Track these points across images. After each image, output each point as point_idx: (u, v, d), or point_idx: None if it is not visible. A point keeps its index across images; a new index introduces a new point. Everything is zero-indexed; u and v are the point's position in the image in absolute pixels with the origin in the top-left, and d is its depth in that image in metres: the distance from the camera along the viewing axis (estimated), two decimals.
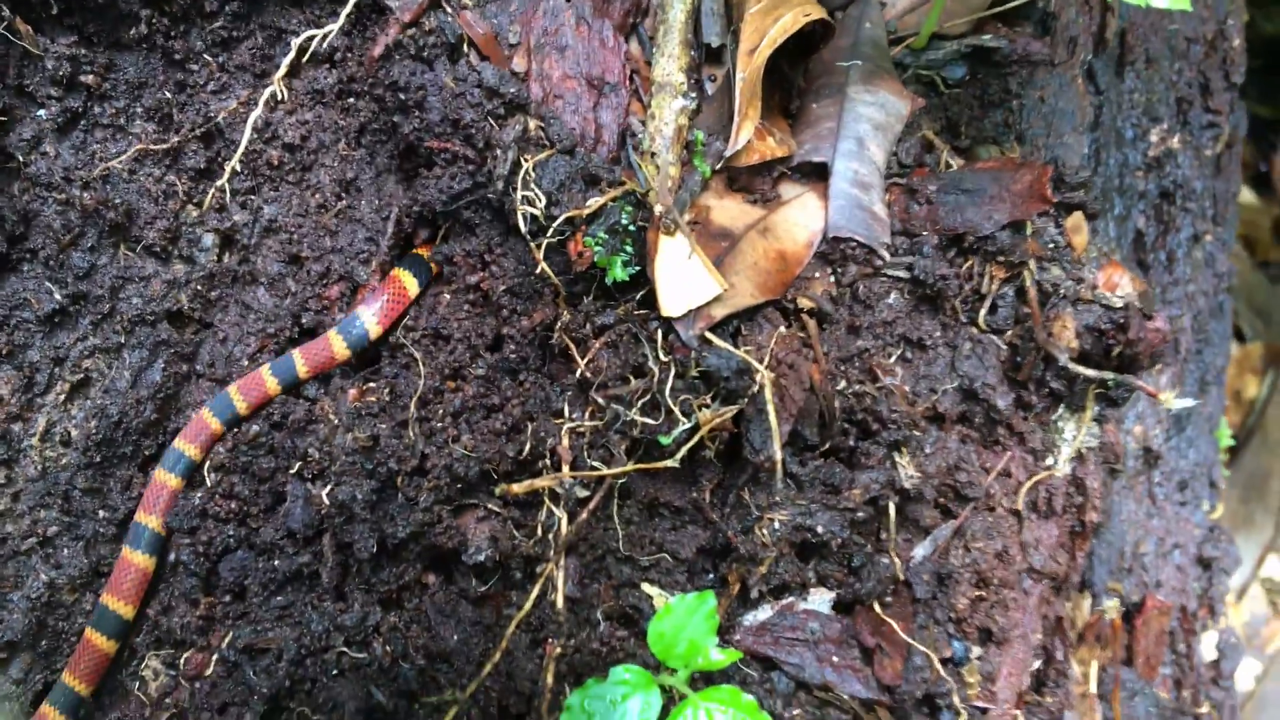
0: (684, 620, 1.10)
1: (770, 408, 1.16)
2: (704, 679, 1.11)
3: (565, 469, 1.18)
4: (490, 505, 1.27)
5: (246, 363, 1.38)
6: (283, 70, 1.30)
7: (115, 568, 1.26)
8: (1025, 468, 1.37)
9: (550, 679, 1.11)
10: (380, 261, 1.38)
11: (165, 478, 1.27)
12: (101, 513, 1.33)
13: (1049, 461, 1.38)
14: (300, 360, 1.29)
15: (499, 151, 1.22)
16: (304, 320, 1.37)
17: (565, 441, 1.20)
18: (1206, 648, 2.21)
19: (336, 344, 1.29)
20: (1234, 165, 2.32)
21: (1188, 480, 2.18)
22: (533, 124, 1.25)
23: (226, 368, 1.37)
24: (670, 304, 1.18)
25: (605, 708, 1.06)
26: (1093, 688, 1.51)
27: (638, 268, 1.23)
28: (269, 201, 1.40)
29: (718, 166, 1.31)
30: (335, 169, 1.41)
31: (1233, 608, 3.60)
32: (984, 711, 1.30)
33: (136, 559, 1.25)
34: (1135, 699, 1.59)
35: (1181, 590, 2.09)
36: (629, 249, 1.22)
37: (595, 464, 1.19)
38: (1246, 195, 4.51)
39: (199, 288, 1.38)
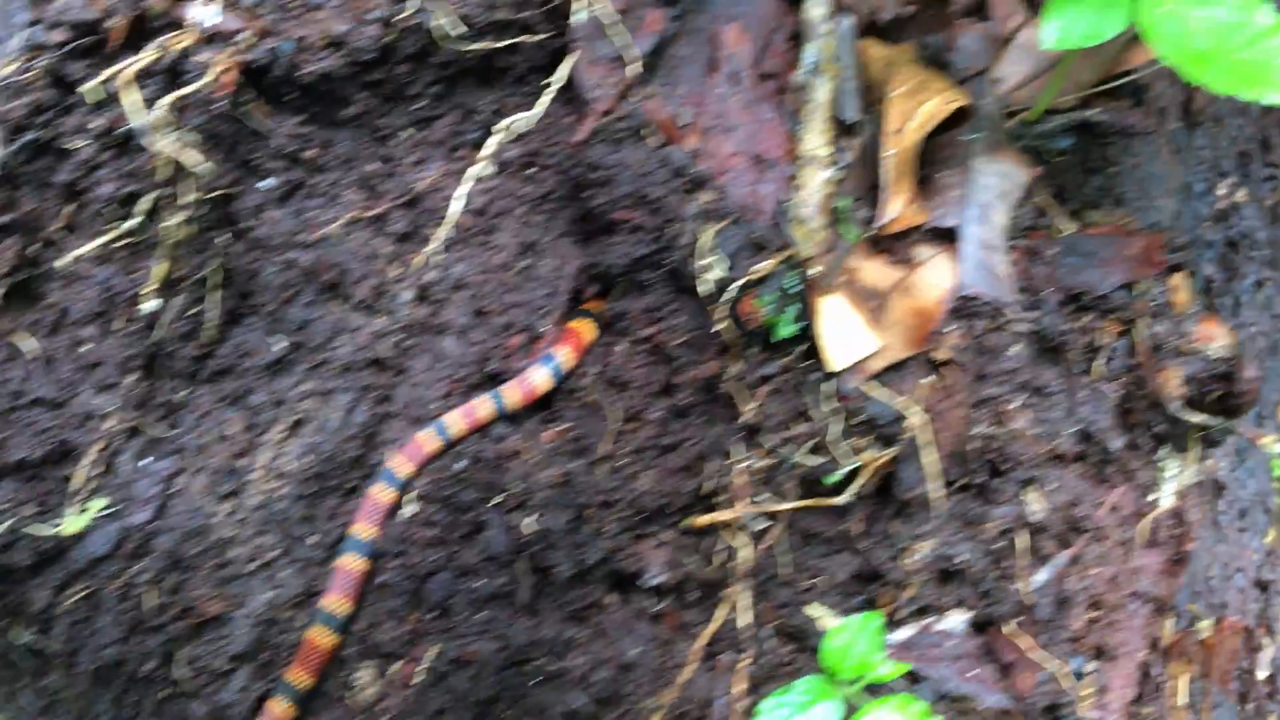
0: (854, 638, 1.27)
1: (925, 450, 1.33)
2: (869, 690, 1.27)
3: (740, 505, 1.35)
4: (664, 536, 1.43)
5: (436, 405, 1.55)
6: (489, 150, 1.48)
7: (335, 573, 1.43)
8: (1132, 502, 1.54)
9: (743, 686, 1.27)
10: (558, 315, 1.56)
11: (381, 491, 1.45)
12: (312, 539, 1.50)
13: (1152, 497, 1.55)
14: (513, 392, 1.46)
15: (681, 224, 1.39)
16: (489, 367, 1.55)
17: (740, 480, 1.36)
18: (1262, 665, 2.35)
19: (541, 380, 1.46)
20: None
21: (1247, 509, 2.33)
22: (708, 197, 1.42)
23: (419, 409, 1.55)
24: (836, 358, 1.36)
25: (792, 713, 1.23)
26: (1182, 700, 1.66)
27: (801, 326, 1.40)
28: (457, 261, 1.57)
29: (867, 233, 1.48)
30: (516, 232, 1.58)
31: None
32: None
33: (353, 562, 1.42)
34: (1217, 709, 1.74)
35: (1242, 611, 2.24)
36: (795, 311, 1.39)
37: (767, 500, 1.36)
38: None
39: (397, 338, 1.55)
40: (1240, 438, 1.66)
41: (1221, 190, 2.18)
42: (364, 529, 1.45)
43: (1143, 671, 1.57)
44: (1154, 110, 1.85)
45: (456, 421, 1.48)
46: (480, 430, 1.50)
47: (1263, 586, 2.35)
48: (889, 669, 1.25)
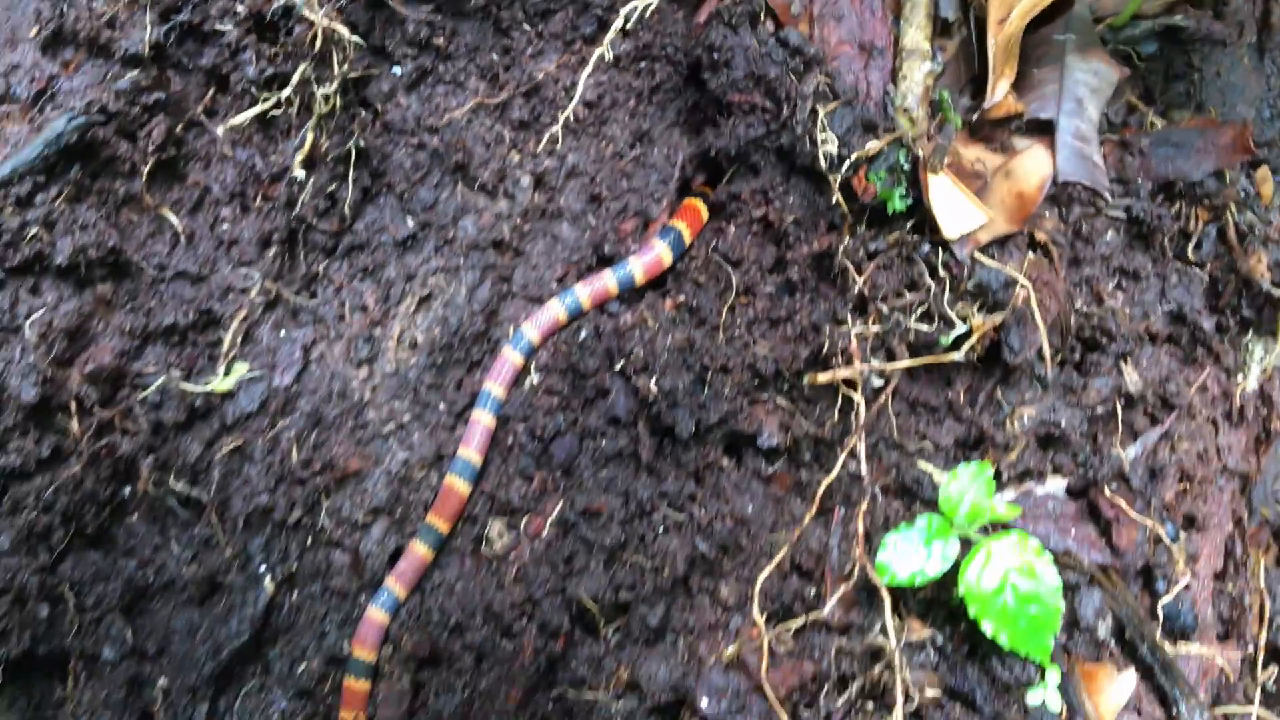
0: (967, 485, 1.34)
1: (1036, 314, 1.41)
2: (982, 531, 1.34)
3: (858, 363, 1.43)
4: (779, 400, 1.51)
5: (554, 285, 1.63)
6: (610, 35, 1.55)
7: (468, 426, 1.52)
8: (1220, 383, 1.60)
9: (861, 530, 1.35)
10: (670, 199, 1.64)
11: (511, 355, 1.54)
12: (441, 405, 1.59)
13: (1240, 378, 1.62)
14: (637, 267, 1.54)
15: (799, 101, 1.47)
16: (604, 250, 1.63)
17: (854, 343, 1.44)
18: None
19: (664, 252, 1.54)
20: None
21: None
22: (822, 79, 1.50)
23: (538, 289, 1.63)
24: (949, 228, 1.43)
25: (913, 548, 1.31)
26: (1262, 582, 1.73)
27: (910, 201, 1.47)
28: (572, 150, 1.65)
29: (973, 119, 1.56)
30: (628, 123, 1.66)
31: None
32: (1187, 587, 1.54)
33: (486, 419, 1.51)
34: None
35: None
36: (904, 186, 1.47)
37: (886, 355, 1.44)
38: None
39: (517, 221, 1.63)
40: None
41: None
42: (494, 387, 1.53)
43: (1228, 546, 1.63)
44: (1233, 22, 1.92)
45: (583, 293, 1.56)
46: (604, 304, 1.58)
47: None
48: (1005, 510, 1.33)
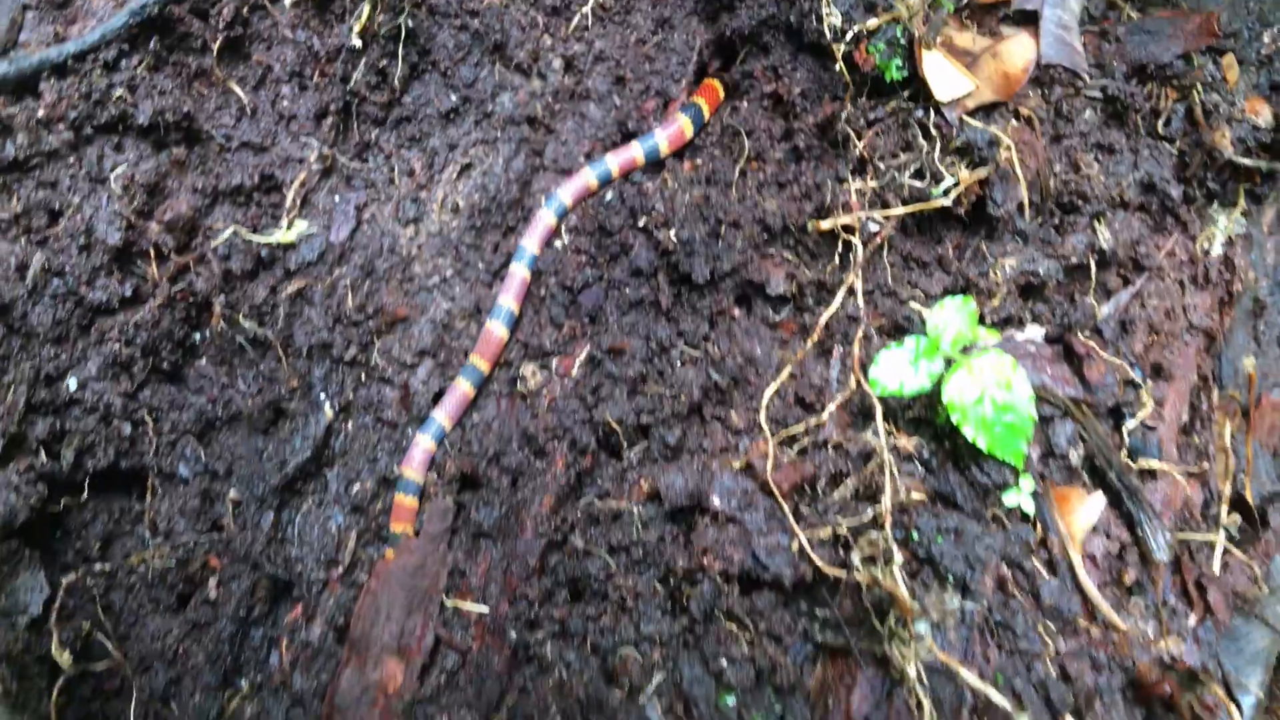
0: (953, 315, 1.51)
1: (1018, 169, 1.57)
2: (964, 352, 1.50)
3: (857, 212, 1.59)
4: (785, 253, 1.68)
5: (582, 160, 1.80)
6: None
7: (506, 278, 1.69)
8: (1187, 248, 1.76)
9: (854, 353, 1.51)
10: (688, 81, 1.80)
11: (546, 215, 1.70)
12: (480, 264, 1.76)
13: (1205, 244, 1.77)
14: (663, 139, 1.71)
15: None
16: (628, 126, 1.80)
17: (854, 197, 1.61)
18: None
19: (686, 125, 1.71)
20: None
21: None
22: None
23: (567, 162, 1.80)
24: (940, 92, 1.60)
25: (903, 364, 1.48)
26: (1228, 442, 1.89)
27: (906, 72, 1.64)
28: (599, 37, 1.82)
29: (957, 5, 1.72)
30: (650, 13, 1.83)
31: None
32: (1152, 429, 1.70)
33: (522, 271, 1.68)
34: (1257, 459, 1.97)
35: None
36: (900, 58, 1.63)
37: (882, 206, 1.60)
38: None
39: (549, 100, 1.80)
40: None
41: (1267, 38, 2.39)
42: (530, 243, 1.70)
43: (1193, 401, 1.80)
44: None
45: (612, 163, 1.73)
46: (630, 173, 1.75)
47: None
48: (986, 334, 1.49)
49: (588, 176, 1.72)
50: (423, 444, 1.66)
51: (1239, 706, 1.84)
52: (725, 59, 1.83)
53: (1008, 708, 1.34)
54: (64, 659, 1.46)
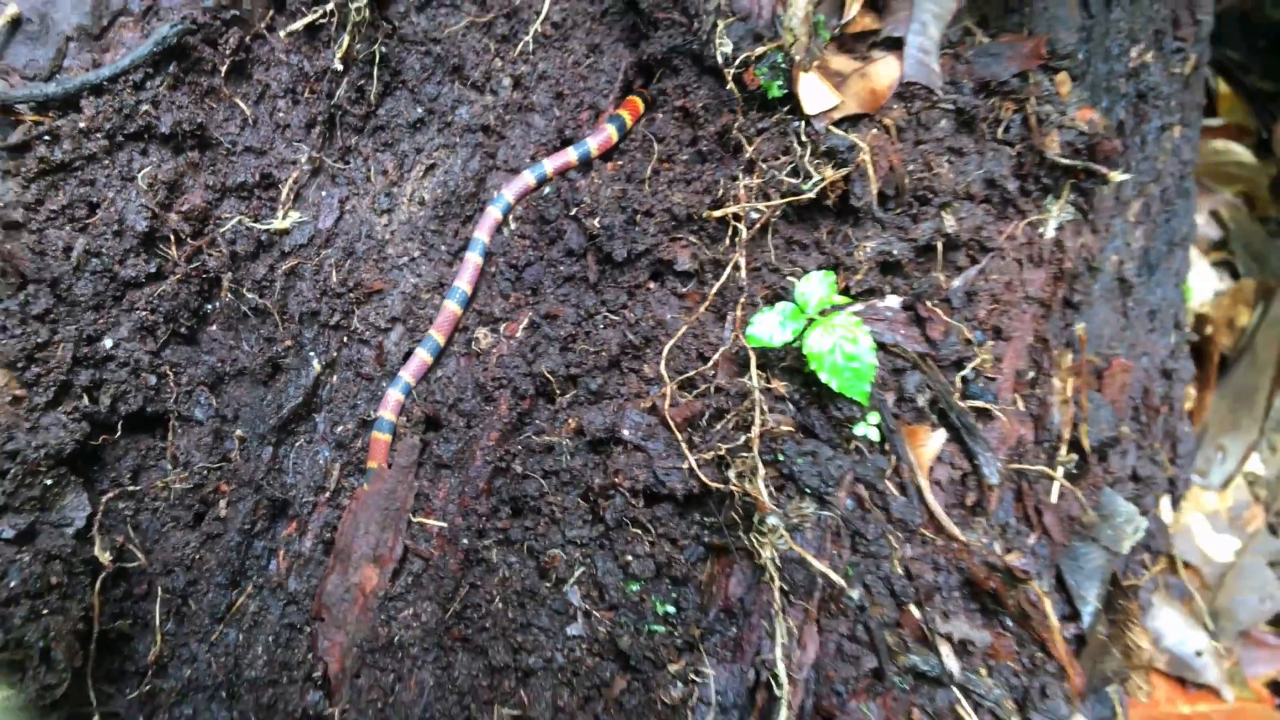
0: (816, 285, 1.88)
1: (871, 172, 1.95)
2: (823, 314, 1.88)
3: (744, 203, 1.97)
4: (690, 238, 2.06)
5: (527, 161, 2.18)
6: None
7: (461, 264, 2.06)
8: (1024, 233, 2.14)
9: (739, 316, 1.89)
10: (614, 96, 2.18)
11: (493, 211, 2.08)
12: (442, 247, 2.14)
13: (1041, 229, 2.15)
14: (593, 144, 2.08)
15: (705, 18, 2.01)
16: (566, 133, 2.17)
17: (743, 191, 1.98)
18: (1162, 429, 2.94)
19: (612, 133, 2.09)
20: (1198, 83, 3.05)
21: (1156, 311, 2.92)
22: (722, 2, 2.04)
23: (515, 163, 2.17)
24: (810, 106, 1.97)
25: (774, 323, 1.85)
26: (1069, 394, 2.27)
27: (786, 91, 2.01)
28: (541, 60, 2.20)
29: (833, 35, 2.09)
30: (584, 40, 2.21)
31: (1220, 496, 4.34)
32: (992, 379, 2.08)
33: (475, 258, 2.05)
34: (1100, 410, 2.35)
35: (1149, 388, 2.83)
36: (782, 79, 2.01)
37: (764, 199, 1.98)
38: (1248, 157, 5.26)
39: (500, 111, 2.18)
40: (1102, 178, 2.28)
41: (1133, 54, 2.77)
42: (481, 235, 2.08)
43: (1032, 357, 2.18)
44: None
45: (549, 165, 2.10)
46: (565, 172, 2.12)
47: (1167, 374, 2.95)
48: (841, 299, 1.87)
49: (527, 178, 2.09)
50: (393, 395, 2.03)
51: (1080, 617, 2.23)
52: (645, 78, 2.21)
53: (843, 585, 1.72)
54: (105, 558, 1.83)
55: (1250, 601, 4.00)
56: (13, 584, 1.73)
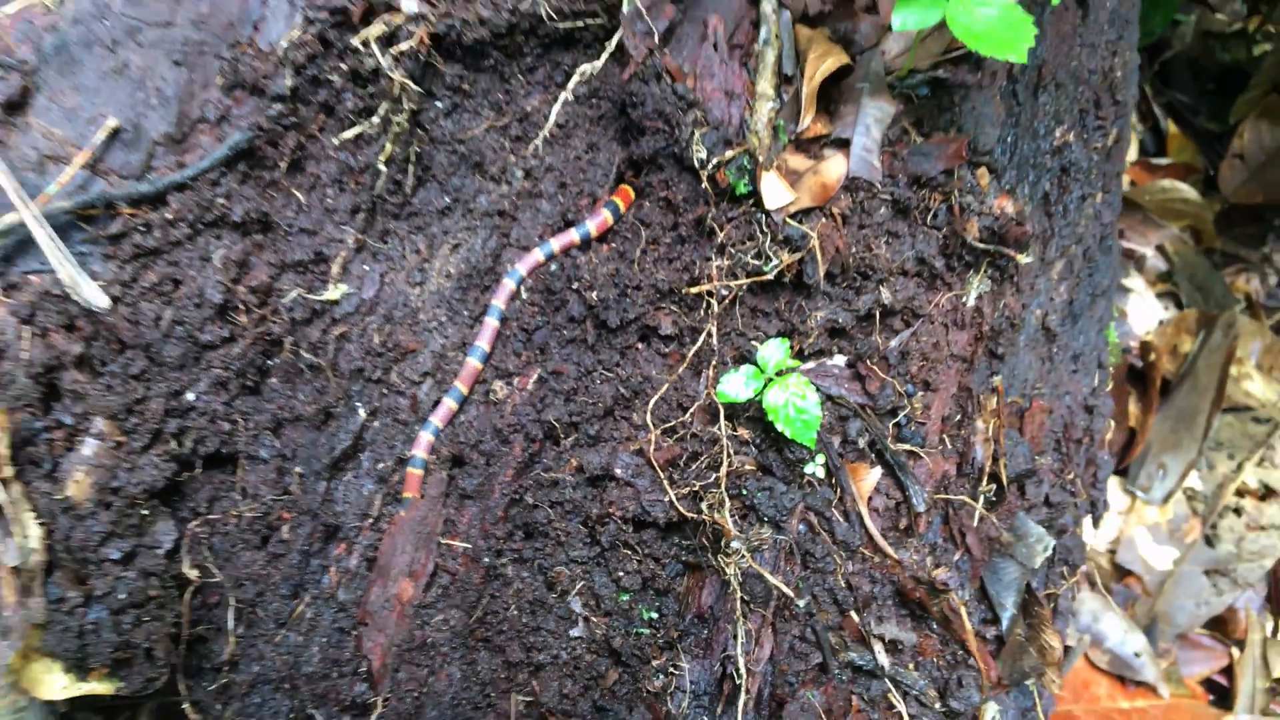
0: (774, 350, 2.31)
1: (819, 256, 2.38)
2: (779, 375, 2.30)
3: (715, 282, 2.40)
4: (672, 308, 2.48)
5: (536, 239, 2.60)
6: (572, 83, 2.53)
7: (481, 326, 2.48)
8: (950, 302, 2.57)
9: (711, 374, 2.32)
10: (609, 185, 2.61)
11: (508, 283, 2.51)
12: (465, 313, 2.56)
13: (964, 297, 2.58)
14: (592, 226, 2.51)
15: (685, 128, 2.44)
16: (569, 217, 2.60)
17: (714, 271, 2.41)
18: (1084, 460, 3.37)
19: (608, 216, 2.51)
20: (1120, 154, 3.49)
21: (1080, 354, 3.36)
22: (699, 114, 2.47)
23: (526, 241, 2.60)
24: (770, 202, 2.40)
25: (739, 382, 2.28)
26: (990, 434, 2.70)
27: (750, 188, 2.45)
28: (548, 155, 2.63)
29: (791, 139, 2.53)
30: (584, 139, 2.64)
31: (1161, 510, 4.78)
32: (921, 424, 2.51)
33: (493, 322, 2.48)
34: (1017, 447, 2.78)
35: (1072, 423, 3.27)
36: (747, 178, 2.44)
37: (733, 278, 2.41)
38: (1193, 194, 5.72)
39: (513, 198, 2.61)
40: (1012, 259, 2.72)
41: (1058, 134, 3.21)
42: (498, 302, 2.51)
43: (958, 404, 2.61)
44: (988, 73, 2.88)
45: (555, 243, 2.53)
46: (568, 250, 2.55)
47: (1089, 409, 3.38)
48: (793, 363, 2.30)
49: (537, 254, 2.52)
50: (425, 437, 2.45)
51: (999, 621, 2.65)
52: (635, 170, 2.64)
53: (794, 596, 2.14)
54: (192, 574, 2.25)
55: (1188, 606, 4.34)
56: (121, 596, 2.14)
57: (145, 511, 2.24)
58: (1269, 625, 4.55)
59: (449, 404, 2.46)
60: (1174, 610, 4.36)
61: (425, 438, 2.43)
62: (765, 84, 2.58)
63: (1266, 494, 4.72)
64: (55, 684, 2.06)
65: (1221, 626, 4.17)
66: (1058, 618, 3.02)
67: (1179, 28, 6.44)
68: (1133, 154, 6.12)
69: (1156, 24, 5.75)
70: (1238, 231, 5.92)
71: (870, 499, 2.41)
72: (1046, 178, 3.20)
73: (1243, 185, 5.57)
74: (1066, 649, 3.74)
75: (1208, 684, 4.49)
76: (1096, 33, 3.29)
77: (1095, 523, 3.44)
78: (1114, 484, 4.81)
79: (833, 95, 2.65)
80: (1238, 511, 4.50)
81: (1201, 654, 4.51)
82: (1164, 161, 6.14)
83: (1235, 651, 4.27)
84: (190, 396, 2.36)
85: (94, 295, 2.18)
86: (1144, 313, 5.52)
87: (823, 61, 2.54)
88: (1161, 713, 4.21)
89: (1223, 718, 4.05)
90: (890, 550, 2.37)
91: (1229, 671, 4.28)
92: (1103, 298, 3.53)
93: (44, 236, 2.16)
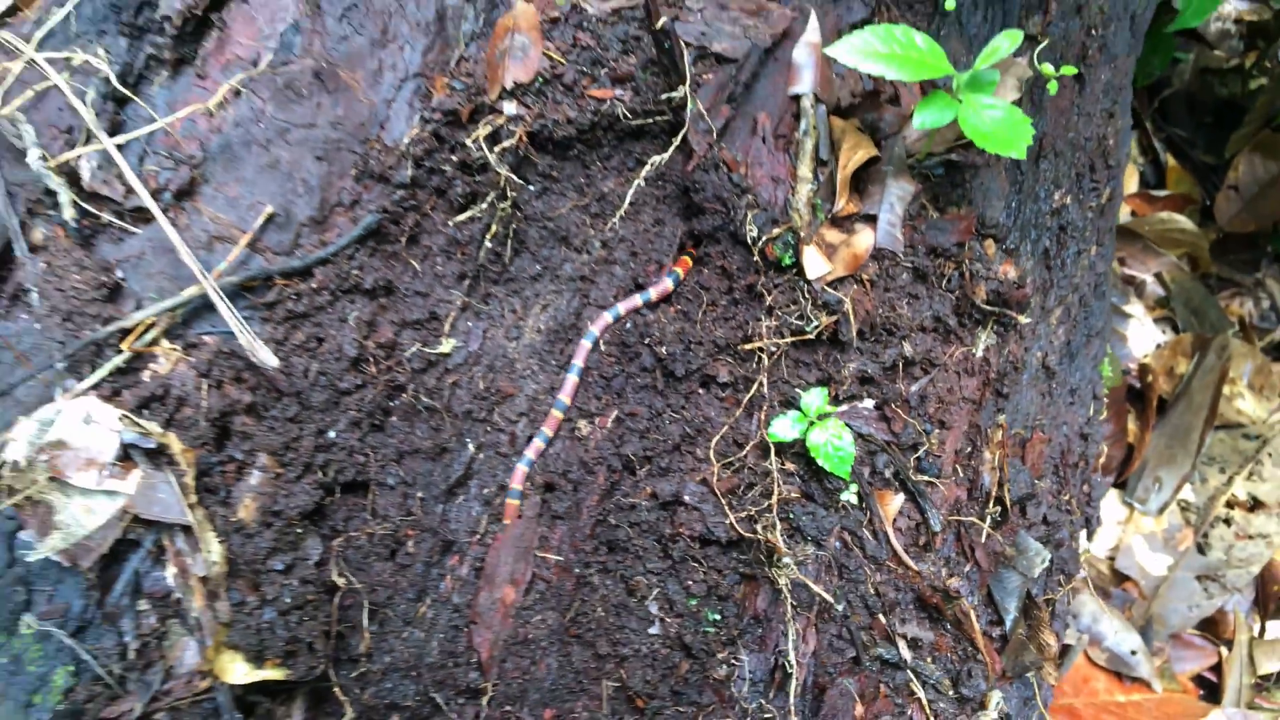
0: (815, 398, 2.80)
1: (851, 317, 2.87)
2: (820, 419, 2.79)
3: (765, 339, 2.89)
4: (729, 360, 2.97)
5: (611, 300, 3.10)
6: (645, 170, 3.02)
7: (564, 381, 2.98)
8: (961, 354, 3.05)
9: (762, 417, 2.81)
10: (672, 255, 3.11)
11: (585, 343, 3.00)
12: (553, 362, 3.06)
13: (973, 349, 3.06)
14: (654, 292, 3.01)
15: (739, 210, 2.93)
16: (638, 281, 3.10)
17: (764, 331, 2.90)
18: (1080, 482, 3.84)
19: (669, 284, 3.01)
20: (1112, 210, 3.96)
21: (1076, 389, 3.83)
22: (750, 198, 2.96)
23: (603, 302, 3.09)
24: (810, 273, 2.89)
25: (787, 425, 2.76)
26: (996, 464, 3.18)
27: (794, 260, 2.93)
28: (622, 228, 3.13)
29: (827, 216, 3.01)
30: (652, 215, 3.13)
31: (1156, 520, 5.22)
32: (937, 458, 2.99)
33: (573, 377, 2.97)
34: (1019, 474, 3.25)
35: (1069, 450, 3.74)
36: (791, 251, 2.93)
37: (780, 336, 2.90)
38: (1189, 225, 6.15)
39: (592, 266, 3.10)
40: (1015, 319, 3.19)
41: (1056, 197, 3.69)
42: (577, 360, 3.00)
43: (969, 439, 3.09)
44: (994, 154, 3.36)
45: (622, 307, 3.03)
46: (633, 312, 3.05)
47: (1085, 436, 3.85)
48: (830, 409, 2.79)
49: (607, 317, 3.01)
50: (520, 469, 2.95)
51: (1003, 622, 3.13)
52: (695, 242, 3.13)
53: (832, 601, 2.63)
54: (340, 581, 2.75)
55: (1180, 609, 4.75)
56: (287, 600, 2.64)
57: (299, 530, 2.75)
58: (1256, 626, 4.97)
59: (539, 442, 2.95)
60: (1168, 612, 4.74)
61: (520, 469, 2.93)
62: (805, 169, 3.07)
63: (1255, 505, 5.11)
64: (239, 672, 2.57)
65: (1212, 627, 4.45)
66: (1055, 620, 3.49)
67: (1178, 65, 6.86)
68: (1133, 186, 6.57)
69: (1156, 66, 6.19)
70: (1232, 258, 6.33)
71: (895, 520, 2.89)
72: (1047, 235, 3.67)
73: (1237, 215, 5.95)
74: (1066, 647, 4.22)
75: (1198, 680, 4.89)
76: (1092, 102, 3.75)
77: (1089, 536, 3.91)
78: (1113, 496, 5.25)
79: (862, 177, 3.13)
80: (1228, 522, 4.88)
81: (1193, 653, 4.88)
82: (1163, 193, 6.57)
83: (1224, 651, 4.64)
84: (331, 434, 2.86)
85: (266, 356, 2.69)
86: (1143, 337, 5.94)
87: (854, 153, 3.02)
88: (1155, 706, 4.58)
89: (1211, 711, 4.41)
90: (911, 563, 2.86)
91: (1218, 669, 4.64)
92: (1097, 337, 4.00)
93: (223, 307, 2.67)
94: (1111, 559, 5.09)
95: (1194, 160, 6.71)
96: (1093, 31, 3.68)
